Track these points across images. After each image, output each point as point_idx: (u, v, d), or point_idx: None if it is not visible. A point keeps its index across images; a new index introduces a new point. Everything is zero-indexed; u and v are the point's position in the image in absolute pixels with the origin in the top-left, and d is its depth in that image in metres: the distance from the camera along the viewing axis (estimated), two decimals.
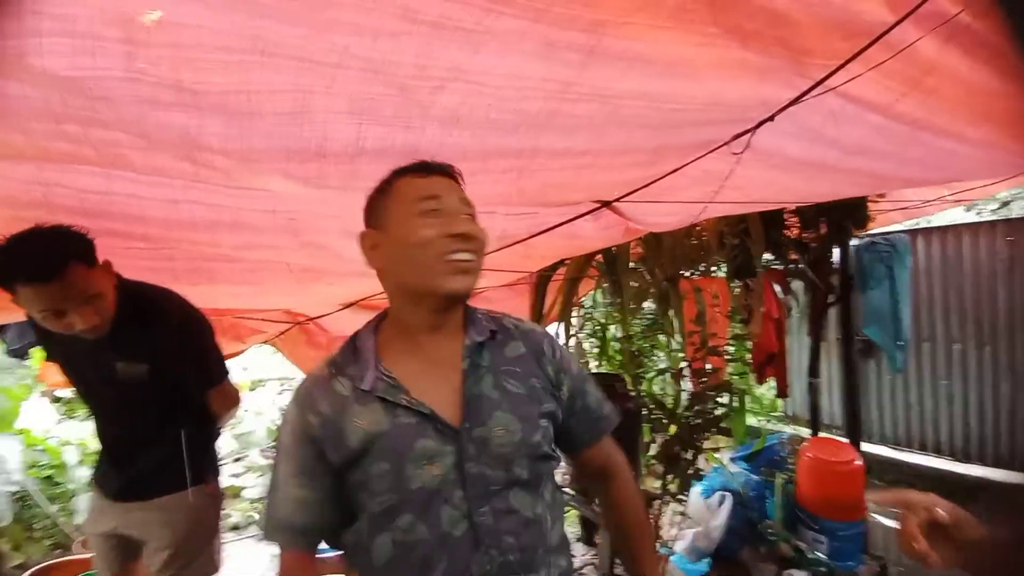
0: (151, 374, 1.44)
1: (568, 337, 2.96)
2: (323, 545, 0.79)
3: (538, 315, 2.81)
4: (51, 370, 2.61)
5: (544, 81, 0.81)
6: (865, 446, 3.35)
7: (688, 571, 2.50)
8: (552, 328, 2.96)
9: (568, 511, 3.10)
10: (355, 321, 2.92)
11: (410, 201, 0.74)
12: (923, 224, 3.94)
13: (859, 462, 2.65)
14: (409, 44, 0.67)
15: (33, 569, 2.43)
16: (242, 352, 2.99)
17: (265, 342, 3.17)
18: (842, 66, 0.98)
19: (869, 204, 2.78)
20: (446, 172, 0.78)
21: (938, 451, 3.81)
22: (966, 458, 3.65)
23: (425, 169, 0.77)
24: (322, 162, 0.76)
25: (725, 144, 1.26)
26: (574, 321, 3.06)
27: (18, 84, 0.61)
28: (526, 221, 1.55)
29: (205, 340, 1.52)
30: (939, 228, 3.85)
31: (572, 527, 3.15)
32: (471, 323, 0.81)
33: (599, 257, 2.58)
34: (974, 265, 3.57)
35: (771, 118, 1.18)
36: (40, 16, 0.53)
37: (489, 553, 0.70)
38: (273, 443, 0.72)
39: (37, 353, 3.03)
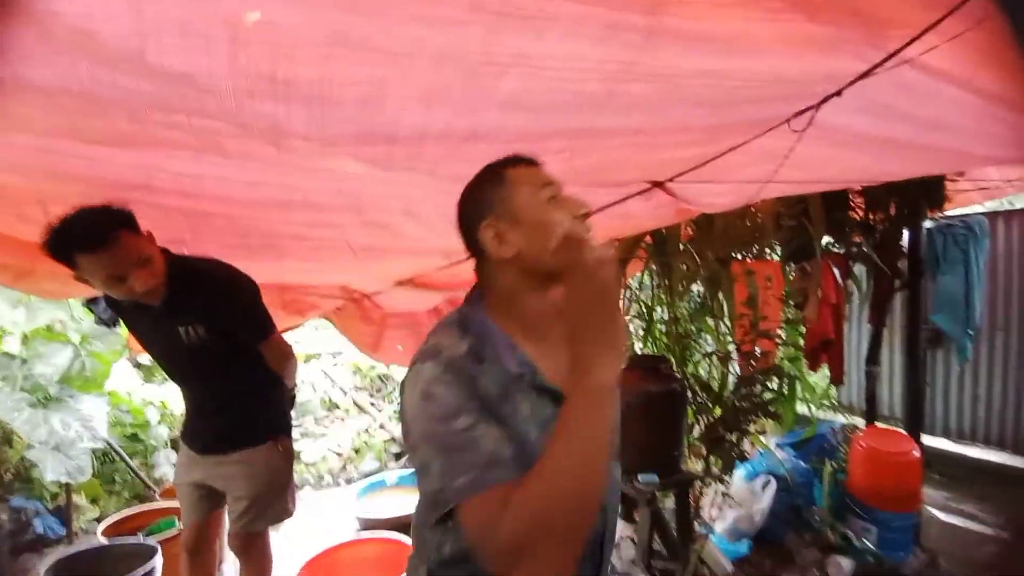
0: (209, 334, 1.57)
1: None
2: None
3: None
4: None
5: (603, 63, 0.82)
6: (926, 439, 3.20)
7: (728, 551, 2.51)
8: None
9: None
10: (407, 298, 3.00)
11: (534, 189, 0.79)
12: (1005, 206, 3.64)
13: (916, 453, 2.56)
14: (476, 33, 0.70)
15: (113, 518, 2.68)
16: (301, 325, 3.18)
17: (322, 316, 3.34)
18: (919, 36, 0.94)
19: (947, 184, 2.61)
20: (537, 162, 0.82)
21: (1002, 445, 3.59)
22: None
23: (526, 161, 0.81)
24: (391, 145, 0.81)
25: (786, 121, 1.23)
26: (620, 303, 3.06)
27: (134, 78, 0.69)
28: None
29: (252, 297, 1.63)
30: (1022, 210, 3.55)
31: None
32: None
33: (648, 238, 2.56)
34: None
35: (839, 93, 1.14)
36: (157, 19, 0.60)
37: (607, 513, 0.81)
38: (432, 419, 0.70)
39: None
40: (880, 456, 2.54)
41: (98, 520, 3.17)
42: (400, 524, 3.11)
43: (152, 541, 2.20)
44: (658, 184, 1.49)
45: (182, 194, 1.14)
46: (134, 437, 3.95)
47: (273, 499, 1.75)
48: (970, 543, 2.83)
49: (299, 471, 4.26)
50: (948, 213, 2.94)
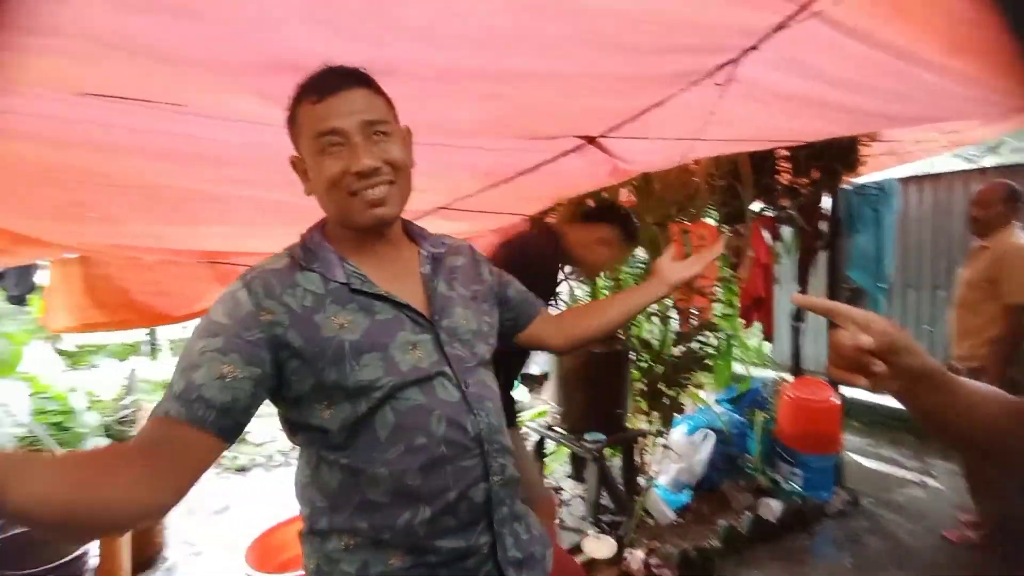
0: None
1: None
2: None
3: None
4: (54, 315, 2.66)
5: None
6: (846, 390, 3.46)
7: (670, 501, 2.65)
8: None
9: (557, 450, 3.25)
10: None
11: (312, 138, 0.74)
12: (917, 172, 3.93)
13: (836, 400, 2.76)
14: None
15: None
16: None
17: None
18: None
19: (860, 148, 2.76)
20: (343, 86, 0.73)
21: None
22: None
23: (318, 91, 0.73)
24: (297, 77, 0.76)
25: (708, 75, 1.25)
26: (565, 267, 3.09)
27: None
28: (513, 158, 1.55)
29: None
30: (931, 175, 3.83)
31: (563, 465, 3.30)
32: (421, 237, 0.91)
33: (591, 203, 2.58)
34: (963, 213, 3.57)
35: (755, 47, 1.17)
36: None
37: (478, 415, 0.81)
38: (196, 330, 0.73)
39: (35, 299, 3.07)
40: (804, 404, 2.73)
41: None
42: None
43: None
44: (590, 140, 1.49)
45: (59, 144, 1.02)
46: (59, 426, 3.71)
47: None
48: (890, 486, 3.13)
49: (247, 452, 4.13)
50: (865, 178, 3.13)
